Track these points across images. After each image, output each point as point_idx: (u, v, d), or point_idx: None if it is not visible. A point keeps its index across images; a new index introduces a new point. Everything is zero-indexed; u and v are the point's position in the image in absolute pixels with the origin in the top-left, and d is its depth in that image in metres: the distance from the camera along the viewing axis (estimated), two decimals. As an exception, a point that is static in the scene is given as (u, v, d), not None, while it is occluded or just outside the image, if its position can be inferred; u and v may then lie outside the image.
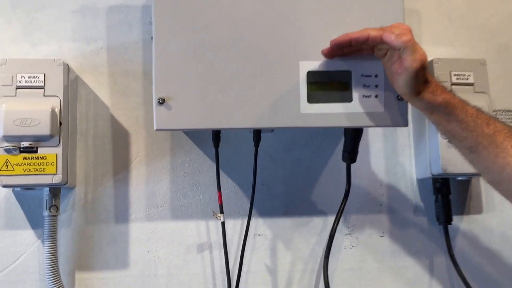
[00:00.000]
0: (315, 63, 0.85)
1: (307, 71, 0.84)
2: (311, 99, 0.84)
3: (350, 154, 0.95)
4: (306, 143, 1.07)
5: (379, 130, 1.09)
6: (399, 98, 0.84)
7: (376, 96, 0.85)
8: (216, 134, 0.96)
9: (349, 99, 0.85)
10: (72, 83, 0.98)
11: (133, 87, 1.04)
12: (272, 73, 0.84)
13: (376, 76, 0.85)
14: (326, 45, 0.83)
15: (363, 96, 0.85)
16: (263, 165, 1.04)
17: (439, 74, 1.00)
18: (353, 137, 0.93)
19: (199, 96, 0.83)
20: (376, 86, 0.85)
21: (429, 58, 0.97)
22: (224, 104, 0.83)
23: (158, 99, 0.82)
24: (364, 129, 0.93)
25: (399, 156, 1.09)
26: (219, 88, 0.83)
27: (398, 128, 1.09)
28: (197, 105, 0.83)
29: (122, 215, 1.02)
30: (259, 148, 0.97)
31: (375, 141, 1.09)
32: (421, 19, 1.13)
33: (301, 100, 0.84)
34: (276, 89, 0.84)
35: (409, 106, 0.85)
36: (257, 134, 0.96)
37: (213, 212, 0.99)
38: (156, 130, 0.82)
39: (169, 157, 1.04)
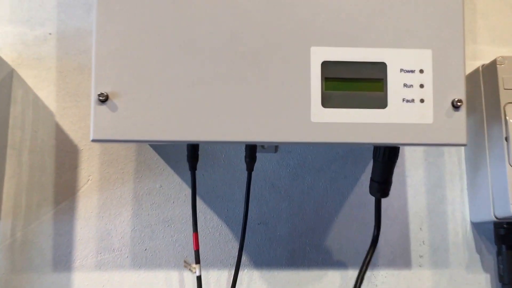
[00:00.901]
0: (334, 50, 0.70)
1: (322, 61, 0.70)
2: (327, 103, 0.70)
3: (381, 185, 0.81)
4: (320, 167, 0.96)
5: (419, 152, 0.98)
6: (455, 105, 0.70)
7: (422, 101, 0.70)
8: (193, 151, 0.83)
9: (383, 104, 0.70)
10: (4, 78, 0.90)
11: (88, 87, 0.94)
12: (271, 63, 0.70)
13: (421, 71, 0.70)
14: (350, 22, 0.70)
15: (403, 100, 0.71)
16: (261, 196, 0.94)
17: (505, 77, 0.90)
18: (386, 160, 0.79)
19: (162, 92, 0.67)
20: (422, 86, 0.70)
21: (490, 58, 0.91)
22: (199, 106, 0.68)
23: (99, 95, 0.66)
24: (400, 149, 0.83)
25: (446, 189, 0.98)
26: (193, 82, 0.68)
27: (446, 151, 0.98)
28: (158, 105, 0.67)
29: (63, 260, 0.91)
30: (257, 173, 0.90)
31: (413, 167, 0.98)
32: (476, 10, 1.04)
33: (312, 104, 0.69)
34: (277, 87, 0.70)
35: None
36: (251, 152, 0.84)
37: (185, 262, 0.87)
38: (93, 141, 0.67)
39: (132, 182, 0.93)
